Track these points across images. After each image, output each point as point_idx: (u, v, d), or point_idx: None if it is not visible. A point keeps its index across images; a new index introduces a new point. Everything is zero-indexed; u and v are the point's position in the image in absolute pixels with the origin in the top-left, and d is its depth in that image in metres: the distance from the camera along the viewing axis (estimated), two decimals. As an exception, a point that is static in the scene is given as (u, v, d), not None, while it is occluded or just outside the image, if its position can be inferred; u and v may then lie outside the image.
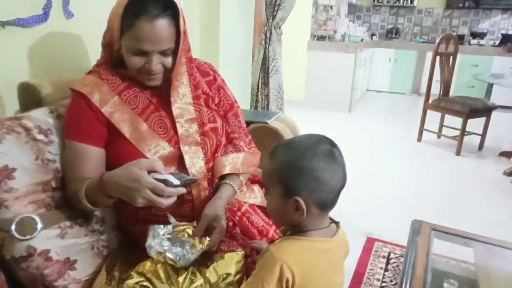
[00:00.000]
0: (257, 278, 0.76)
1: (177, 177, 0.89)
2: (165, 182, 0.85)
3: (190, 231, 0.99)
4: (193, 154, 1.07)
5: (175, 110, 1.06)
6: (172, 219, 1.00)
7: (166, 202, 0.86)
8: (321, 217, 0.81)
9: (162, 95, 1.09)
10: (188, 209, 1.07)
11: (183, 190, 0.89)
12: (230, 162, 1.15)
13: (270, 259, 0.76)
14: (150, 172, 0.85)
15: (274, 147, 0.83)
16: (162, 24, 0.95)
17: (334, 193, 0.78)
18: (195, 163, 1.07)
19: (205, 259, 0.98)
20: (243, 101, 2.83)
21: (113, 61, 1.08)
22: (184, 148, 1.06)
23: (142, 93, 1.07)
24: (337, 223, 0.87)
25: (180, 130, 1.06)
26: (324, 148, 0.77)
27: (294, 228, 0.82)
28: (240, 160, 1.18)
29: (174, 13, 0.98)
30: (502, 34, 6.15)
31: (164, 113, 1.07)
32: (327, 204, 0.79)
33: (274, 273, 0.74)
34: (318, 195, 0.76)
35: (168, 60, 1.03)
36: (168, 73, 1.05)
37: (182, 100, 1.08)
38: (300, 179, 0.75)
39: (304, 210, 0.76)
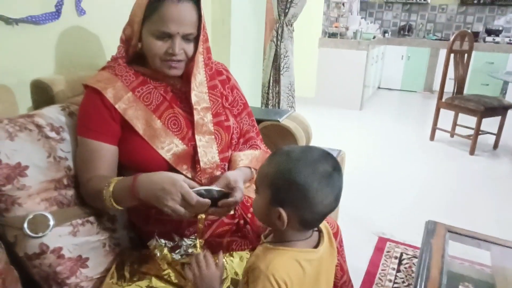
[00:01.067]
0: None
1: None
2: (209, 191, 0.89)
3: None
4: (206, 144, 1.07)
5: (193, 97, 1.07)
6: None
7: (184, 212, 0.86)
8: (303, 232, 0.80)
9: (176, 91, 1.09)
10: None
11: (208, 201, 0.89)
12: (247, 156, 1.15)
13: (262, 277, 0.73)
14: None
15: (277, 149, 0.81)
16: (187, 7, 0.98)
17: (320, 215, 0.77)
18: (208, 152, 1.06)
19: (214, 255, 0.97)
20: (254, 99, 2.82)
21: (129, 57, 1.08)
22: (198, 137, 1.06)
23: (156, 89, 1.06)
24: (320, 232, 0.85)
25: (196, 118, 1.06)
26: (324, 169, 0.75)
27: (275, 233, 0.82)
28: (256, 156, 1.18)
29: (197, 1, 1.01)
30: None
31: (178, 109, 1.07)
32: (309, 223, 0.78)
33: None
34: (302, 213, 0.75)
35: (190, 47, 1.03)
36: (188, 63, 1.06)
37: (198, 88, 1.08)
38: (290, 192, 0.74)
39: (285, 222, 0.75)
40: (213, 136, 1.08)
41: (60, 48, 1.26)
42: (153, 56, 1.01)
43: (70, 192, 0.99)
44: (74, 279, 0.93)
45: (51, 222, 0.90)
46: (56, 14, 1.22)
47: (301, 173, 0.73)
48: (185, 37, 1.01)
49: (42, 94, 1.15)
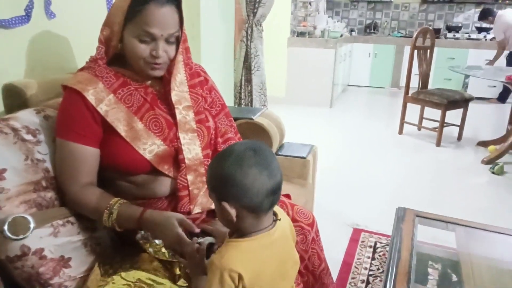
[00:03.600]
0: None
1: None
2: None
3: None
4: (189, 141, 1.09)
5: (173, 97, 1.09)
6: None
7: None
8: (259, 219, 0.81)
9: (157, 93, 1.11)
10: (185, 196, 1.08)
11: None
12: None
13: (216, 270, 0.76)
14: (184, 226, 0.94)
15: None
16: (170, 10, 1.00)
17: (260, 196, 0.77)
18: (191, 149, 1.09)
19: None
20: (227, 98, 2.83)
21: (108, 58, 1.07)
22: (182, 135, 1.08)
23: (137, 91, 1.07)
24: (276, 216, 0.86)
25: (178, 116, 1.09)
26: (243, 155, 0.77)
27: (238, 232, 0.83)
28: None
29: (178, 4, 1.03)
30: (483, 8, 6.07)
31: (159, 111, 1.08)
32: (256, 208, 0.79)
33: (222, 284, 0.75)
34: (243, 201, 0.77)
35: (172, 49, 1.05)
36: (169, 64, 1.08)
37: (179, 88, 1.10)
38: (224, 187, 0.78)
39: (233, 215, 0.78)
40: (196, 134, 1.11)
41: (31, 52, 1.26)
42: (136, 59, 1.02)
43: (49, 194, 1.00)
44: (58, 279, 0.93)
45: (32, 224, 0.90)
46: (26, 17, 1.21)
47: (224, 166, 0.77)
48: (168, 40, 1.02)
49: (14, 98, 1.14)
